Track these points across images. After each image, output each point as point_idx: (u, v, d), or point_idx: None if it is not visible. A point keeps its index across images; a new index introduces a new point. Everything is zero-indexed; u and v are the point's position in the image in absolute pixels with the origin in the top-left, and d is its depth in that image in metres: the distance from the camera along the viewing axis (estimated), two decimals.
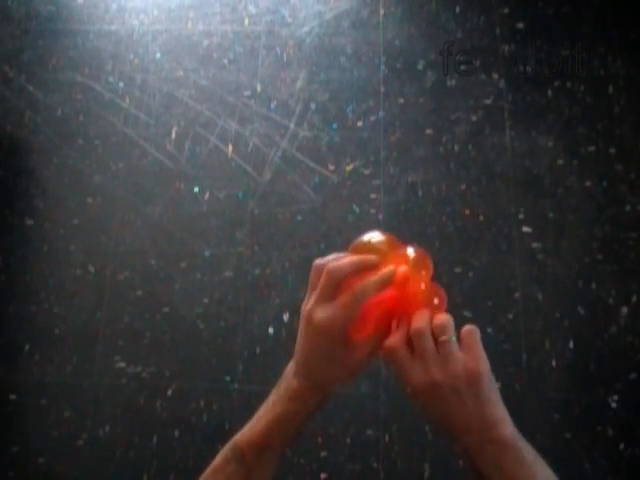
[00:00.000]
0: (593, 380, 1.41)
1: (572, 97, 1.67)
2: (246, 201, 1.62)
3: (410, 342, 0.48)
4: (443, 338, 0.47)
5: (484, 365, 0.47)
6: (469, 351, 0.48)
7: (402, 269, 0.49)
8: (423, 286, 0.50)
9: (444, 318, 0.48)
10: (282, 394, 0.50)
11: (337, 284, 0.47)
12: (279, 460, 0.52)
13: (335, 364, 0.49)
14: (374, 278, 0.47)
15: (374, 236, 0.52)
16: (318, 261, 0.49)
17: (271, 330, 1.49)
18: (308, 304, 0.49)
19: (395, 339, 0.48)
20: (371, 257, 0.49)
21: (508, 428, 0.47)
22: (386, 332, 0.50)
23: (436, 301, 0.50)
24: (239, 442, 0.51)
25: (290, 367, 0.52)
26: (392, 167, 1.63)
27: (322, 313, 0.47)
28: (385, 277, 0.48)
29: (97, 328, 1.52)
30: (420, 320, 0.48)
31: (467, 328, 0.49)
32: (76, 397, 1.46)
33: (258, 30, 1.83)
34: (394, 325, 0.50)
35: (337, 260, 0.48)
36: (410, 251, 0.51)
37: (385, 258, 0.50)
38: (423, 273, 0.50)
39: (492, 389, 0.47)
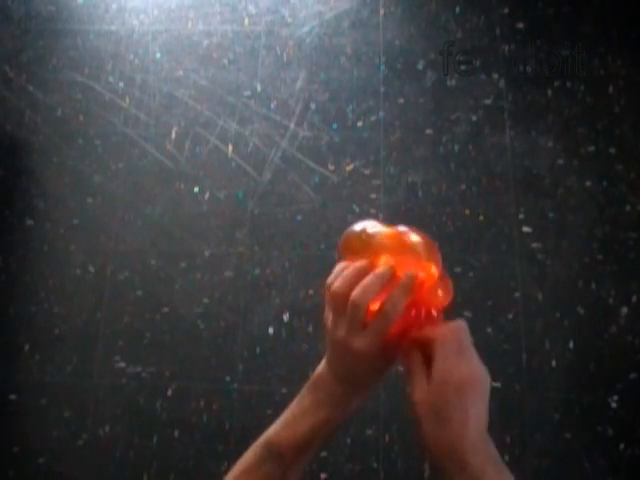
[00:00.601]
0: (593, 380, 1.41)
1: (572, 97, 1.67)
2: (246, 201, 1.62)
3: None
4: (468, 342, 0.48)
5: (483, 375, 0.47)
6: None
7: (421, 274, 0.48)
8: (436, 278, 0.49)
9: (462, 324, 0.48)
10: (324, 400, 0.51)
11: (365, 312, 0.47)
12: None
13: (369, 368, 0.50)
14: (397, 293, 0.46)
15: (368, 228, 0.50)
16: (334, 284, 0.48)
17: (271, 330, 1.49)
18: (339, 332, 0.48)
19: (446, 331, 0.47)
20: (387, 269, 0.48)
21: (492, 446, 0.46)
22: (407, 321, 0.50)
23: (440, 293, 0.49)
24: (276, 442, 0.51)
25: (326, 373, 0.52)
26: (392, 167, 1.63)
27: (359, 343, 0.47)
28: (408, 288, 0.47)
29: (97, 328, 1.52)
30: (458, 319, 0.48)
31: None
32: (76, 397, 1.46)
33: (258, 30, 1.83)
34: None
35: (361, 289, 0.47)
36: (415, 240, 0.49)
37: (394, 256, 0.48)
38: (433, 266, 0.49)
39: (486, 409, 0.47)
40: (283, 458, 0.50)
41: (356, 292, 0.46)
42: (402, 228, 0.50)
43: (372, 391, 0.53)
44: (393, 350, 0.50)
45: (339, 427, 0.52)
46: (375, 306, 0.47)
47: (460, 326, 0.48)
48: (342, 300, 0.47)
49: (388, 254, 0.48)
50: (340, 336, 0.48)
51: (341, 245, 0.52)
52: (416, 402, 0.47)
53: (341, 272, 0.48)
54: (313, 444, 0.51)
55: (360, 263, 0.48)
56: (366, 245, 0.49)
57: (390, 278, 0.47)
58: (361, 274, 0.47)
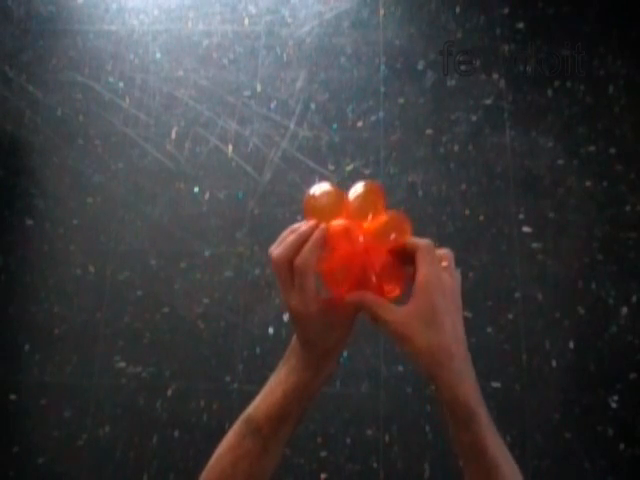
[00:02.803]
0: (593, 380, 1.41)
1: (572, 97, 1.67)
2: (246, 201, 1.62)
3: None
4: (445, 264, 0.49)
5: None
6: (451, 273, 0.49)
7: (337, 223, 0.49)
8: (371, 226, 0.50)
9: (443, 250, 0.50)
10: (294, 365, 0.52)
11: (286, 269, 0.48)
12: (292, 432, 0.53)
13: (331, 330, 0.50)
14: (306, 247, 0.47)
15: (319, 188, 0.52)
16: (274, 251, 0.50)
17: (271, 330, 1.49)
18: (283, 296, 0.50)
19: (428, 241, 0.49)
20: (306, 226, 0.49)
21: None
22: (362, 283, 0.50)
23: (393, 236, 0.50)
24: (254, 415, 0.51)
25: (295, 342, 0.53)
26: (392, 167, 1.63)
27: (292, 301, 0.48)
28: (316, 241, 0.47)
29: (97, 328, 1.52)
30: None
31: (445, 252, 0.50)
32: (76, 397, 1.46)
33: (258, 30, 1.83)
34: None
35: (277, 247, 0.49)
36: (353, 193, 0.51)
37: (329, 214, 0.50)
38: (369, 215, 0.50)
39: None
40: (260, 431, 0.50)
41: (274, 252, 0.49)
42: (359, 184, 0.52)
43: (334, 356, 0.52)
44: (346, 309, 0.50)
45: (315, 395, 0.52)
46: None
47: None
48: (280, 264, 0.48)
49: (331, 215, 0.50)
50: (284, 299, 0.49)
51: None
52: (395, 321, 0.47)
53: (282, 240, 0.50)
54: (288, 413, 0.51)
55: (295, 230, 0.49)
56: (313, 208, 0.51)
57: (325, 234, 0.48)
58: (301, 238, 0.48)
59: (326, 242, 0.48)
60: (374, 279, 0.50)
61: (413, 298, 0.47)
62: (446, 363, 0.46)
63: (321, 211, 0.50)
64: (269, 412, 0.51)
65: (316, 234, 0.48)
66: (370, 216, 0.50)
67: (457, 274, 0.49)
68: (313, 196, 0.51)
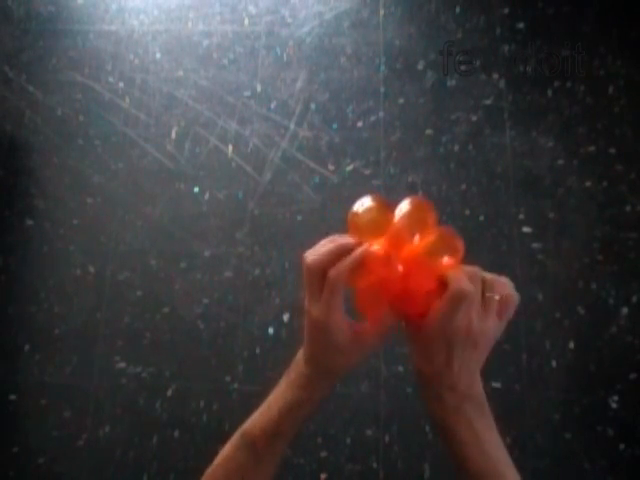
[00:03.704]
0: (593, 380, 1.41)
1: (572, 97, 1.67)
2: (246, 201, 1.62)
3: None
4: (490, 295, 0.47)
5: (499, 333, 0.48)
6: (501, 318, 0.48)
7: (378, 248, 0.47)
8: (420, 256, 0.47)
9: (495, 277, 0.48)
10: (293, 382, 0.51)
11: (318, 278, 0.47)
12: (286, 448, 0.52)
13: (341, 353, 0.49)
14: (344, 260, 0.46)
15: (362, 205, 0.49)
16: (308, 257, 0.48)
17: (271, 330, 1.49)
18: (306, 304, 0.49)
19: (470, 286, 0.46)
20: (347, 239, 0.48)
21: (481, 390, 0.49)
22: (389, 315, 0.49)
23: (446, 260, 0.47)
24: (249, 430, 0.52)
25: (300, 355, 0.52)
26: (392, 167, 1.63)
27: (315, 311, 0.48)
28: (355, 258, 0.46)
29: (97, 328, 1.52)
30: (476, 270, 0.47)
31: (511, 295, 0.48)
32: (76, 397, 1.46)
33: (258, 30, 1.83)
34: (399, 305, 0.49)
35: (313, 253, 0.48)
36: (399, 211, 0.48)
37: (372, 233, 0.48)
38: (416, 236, 0.48)
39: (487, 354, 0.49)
40: (255, 446, 0.50)
41: (309, 257, 0.48)
42: (407, 201, 0.50)
43: (338, 377, 0.52)
44: (368, 336, 0.49)
45: (312, 413, 0.51)
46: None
47: (473, 277, 0.47)
48: (313, 271, 0.47)
49: (374, 234, 0.48)
50: (307, 307, 0.49)
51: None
52: (457, 332, 0.47)
53: (320, 247, 0.49)
54: (283, 430, 0.50)
55: (336, 240, 0.48)
56: (356, 226, 0.49)
57: (365, 256, 0.47)
58: (340, 249, 0.47)
59: (364, 263, 0.47)
60: (418, 304, 0.48)
61: (425, 327, 0.48)
62: (429, 385, 0.49)
63: (363, 229, 0.48)
64: (264, 428, 0.51)
65: (357, 251, 0.47)
66: (417, 237, 0.48)
67: (499, 323, 0.47)
68: (356, 214, 0.49)
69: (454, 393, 0.48)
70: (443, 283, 0.47)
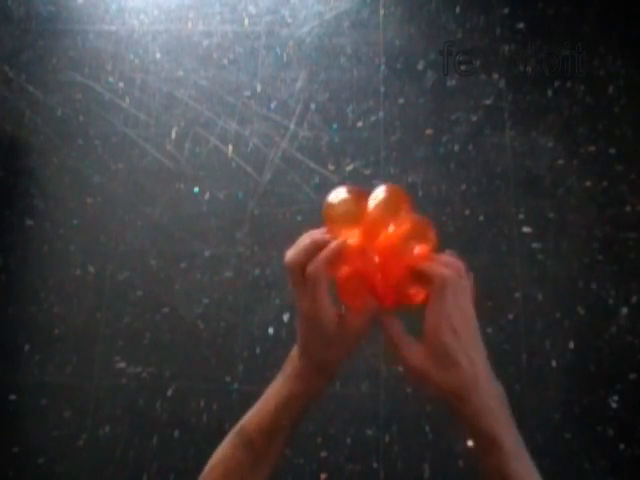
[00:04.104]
0: (593, 380, 1.41)
1: (572, 97, 1.67)
2: (246, 201, 1.62)
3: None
4: (465, 282, 0.49)
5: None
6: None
7: (353, 241, 0.48)
8: (394, 243, 0.48)
9: (463, 265, 0.49)
10: (288, 376, 0.51)
11: (299, 274, 0.48)
12: (285, 447, 0.52)
13: (332, 345, 0.50)
14: (320, 255, 0.47)
15: (337, 196, 0.50)
16: (287, 254, 0.49)
17: (271, 330, 1.49)
18: (294, 299, 0.50)
19: (450, 271, 0.47)
20: (322, 234, 0.49)
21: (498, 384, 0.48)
22: (379, 295, 0.50)
23: (418, 249, 0.48)
24: (246, 427, 0.52)
25: (295, 351, 0.52)
26: (392, 167, 1.63)
27: (303, 305, 0.48)
28: (330, 252, 0.47)
29: (97, 328, 1.52)
30: (454, 259, 0.48)
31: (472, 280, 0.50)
32: (76, 397, 1.46)
33: (258, 30, 1.83)
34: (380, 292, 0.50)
35: (291, 250, 0.49)
36: (374, 200, 0.49)
37: (347, 223, 0.49)
38: (391, 224, 0.48)
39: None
40: (252, 443, 0.50)
41: (288, 255, 0.48)
42: (379, 190, 0.51)
43: (335, 372, 0.52)
44: (355, 326, 0.50)
45: (308, 408, 0.51)
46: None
47: (456, 266, 0.48)
48: (293, 268, 0.48)
49: (349, 224, 0.49)
50: (297, 303, 0.49)
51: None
52: (411, 358, 0.47)
53: (297, 243, 0.49)
54: (280, 426, 0.51)
55: (314, 237, 0.49)
56: (331, 217, 0.50)
57: (341, 249, 0.47)
58: (316, 245, 0.48)
59: (341, 256, 0.48)
60: (390, 292, 0.49)
61: (425, 338, 0.47)
62: (466, 397, 0.46)
63: (338, 220, 0.49)
64: (261, 424, 0.51)
65: (332, 245, 0.47)
66: (392, 225, 0.49)
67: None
68: (331, 204, 0.50)
69: (494, 398, 0.46)
70: (416, 272, 0.48)
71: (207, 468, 0.52)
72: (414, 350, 0.47)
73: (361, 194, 0.51)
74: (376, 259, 0.49)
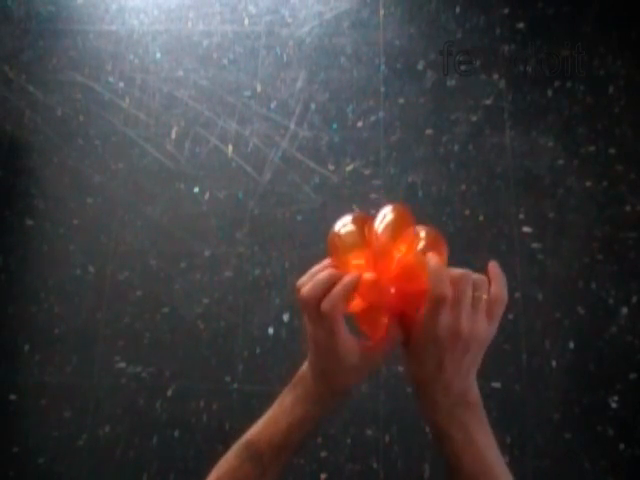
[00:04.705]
0: (593, 380, 1.41)
1: (572, 97, 1.67)
2: (246, 201, 1.62)
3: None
4: (479, 294, 0.47)
5: (493, 335, 0.48)
6: (491, 318, 0.48)
7: (368, 276, 0.47)
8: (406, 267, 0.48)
9: (483, 277, 0.48)
10: (302, 397, 0.51)
11: (314, 308, 0.47)
12: (292, 459, 0.53)
13: (350, 371, 0.50)
14: (335, 290, 0.46)
15: (343, 226, 0.50)
16: (303, 289, 0.49)
17: (271, 330, 1.49)
18: (306, 325, 0.50)
19: (448, 289, 0.45)
20: (351, 279, 0.48)
21: (476, 392, 0.49)
22: (392, 329, 0.50)
23: (422, 272, 0.47)
24: (255, 442, 0.51)
25: (307, 371, 0.52)
26: (392, 167, 1.63)
27: (320, 337, 0.48)
28: (346, 287, 0.47)
29: (97, 328, 1.52)
30: (463, 270, 0.47)
31: (498, 294, 0.48)
32: (76, 397, 1.46)
33: (258, 30, 1.83)
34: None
35: (306, 284, 0.48)
36: (380, 225, 0.48)
37: (354, 255, 0.48)
38: (401, 245, 0.48)
39: (481, 357, 0.49)
40: (261, 458, 0.51)
41: (303, 291, 0.48)
42: (385, 211, 0.50)
43: (349, 392, 0.53)
44: (376, 352, 0.50)
45: (318, 427, 0.52)
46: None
47: (461, 279, 0.46)
48: (309, 304, 0.48)
49: (356, 256, 0.49)
50: (310, 333, 0.50)
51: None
52: (447, 335, 0.47)
53: (311, 277, 0.49)
54: (291, 442, 0.51)
55: (328, 271, 0.48)
56: (337, 249, 0.50)
57: (356, 285, 0.47)
58: (331, 280, 0.47)
59: (356, 290, 0.47)
60: (412, 319, 0.49)
61: (412, 338, 0.49)
62: (421, 392, 0.49)
63: (346, 251, 0.49)
64: (272, 441, 0.51)
65: (346, 280, 0.47)
66: (402, 245, 0.48)
67: (491, 323, 0.47)
68: (338, 234, 0.50)
69: (448, 397, 0.48)
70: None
71: (212, 478, 0.52)
72: (408, 338, 0.49)
73: (366, 220, 0.50)
74: (392, 290, 0.48)
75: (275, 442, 0.51)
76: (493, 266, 0.49)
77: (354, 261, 0.49)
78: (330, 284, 0.47)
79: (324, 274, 0.48)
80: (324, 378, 0.51)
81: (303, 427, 0.51)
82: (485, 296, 0.47)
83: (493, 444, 0.49)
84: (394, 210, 0.49)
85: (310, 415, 0.51)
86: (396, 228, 0.49)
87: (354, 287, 0.47)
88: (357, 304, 0.49)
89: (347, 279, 0.47)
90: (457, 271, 0.46)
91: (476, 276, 0.47)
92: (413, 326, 0.48)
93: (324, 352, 0.49)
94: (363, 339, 0.50)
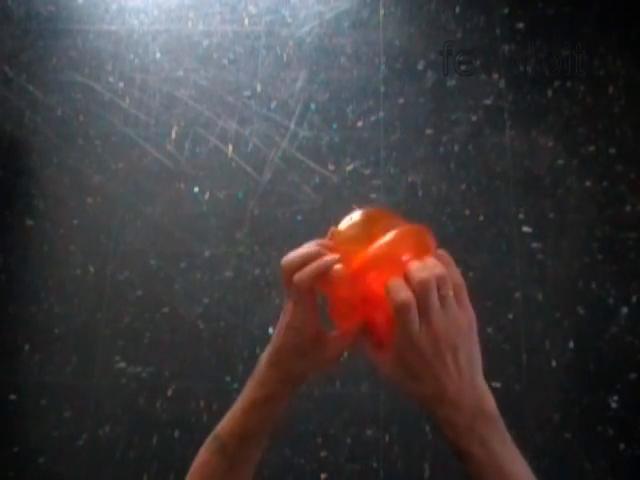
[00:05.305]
0: (593, 380, 1.41)
1: (572, 97, 1.67)
2: (246, 201, 1.62)
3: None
4: (444, 292, 0.45)
5: (474, 320, 0.47)
6: (461, 305, 0.46)
7: (338, 267, 0.46)
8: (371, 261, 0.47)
9: (443, 273, 0.44)
10: (252, 380, 0.51)
11: (289, 279, 0.48)
12: (262, 453, 0.52)
13: (304, 358, 0.50)
14: (307, 267, 0.47)
15: (351, 218, 0.51)
16: (284, 258, 0.49)
17: (271, 330, 1.49)
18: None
19: (408, 294, 0.43)
20: (321, 247, 0.48)
21: (492, 400, 0.47)
22: (361, 329, 0.49)
23: (405, 257, 0.46)
24: (220, 433, 0.51)
25: (265, 354, 0.52)
26: (392, 167, 1.63)
27: (287, 307, 0.49)
28: (318, 267, 0.46)
29: (97, 328, 1.52)
30: (423, 271, 0.44)
31: (458, 282, 0.46)
32: (76, 397, 1.46)
33: (258, 30, 1.83)
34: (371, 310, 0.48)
35: (291, 253, 0.49)
36: (385, 237, 0.47)
37: (353, 245, 0.48)
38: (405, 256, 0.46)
39: (478, 350, 0.47)
40: (226, 449, 0.50)
41: (283, 260, 0.48)
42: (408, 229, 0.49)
43: (302, 379, 0.52)
44: (330, 344, 0.49)
45: (277, 413, 0.51)
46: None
47: (422, 282, 0.43)
48: (284, 272, 0.48)
49: (355, 246, 0.48)
50: (285, 304, 0.50)
51: None
52: (385, 364, 0.48)
53: (297, 250, 0.49)
54: (250, 430, 0.50)
55: (313, 247, 0.48)
56: (339, 236, 0.50)
57: (329, 268, 0.46)
58: (310, 255, 0.47)
59: (329, 273, 0.47)
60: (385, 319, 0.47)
61: (393, 353, 0.47)
62: (432, 410, 0.46)
63: (344, 241, 0.49)
64: (232, 430, 0.50)
65: (322, 260, 0.47)
66: (406, 256, 0.46)
67: (463, 313, 0.46)
68: (343, 225, 0.51)
69: (460, 411, 0.45)
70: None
71: (188, 475, 0.52)
72: (387, 360, 0.47)
73: (380, 218, 0.50)
74: (358, 292, 0.47)
75: (234, 431, 0.50)
76: (442, 255, 0.47)
77: (347, 250, 0.48)
78: (309, 259, 0.47)
79: (307, 248, 0.48)
80: (277, 358, 0.50)
81: (256, 412, 0.50)
82: (451, 292, 0.45)
83: (517, 456, 0.47)
84: (414, 232, 0.48)
85: (258, 398, 0.50)
86: (396, 244, 0.47)
87: (327, 268, 0.46)
88: (338, 290, 0.48)
89: (325, 259, 0.47)
90: (417, 275, 0.44)
91: (437, 272, 0.44)
92: (388, 345, 0.47)
93: (285, 326, 0.49)
94: (326, 330, 0.50)
